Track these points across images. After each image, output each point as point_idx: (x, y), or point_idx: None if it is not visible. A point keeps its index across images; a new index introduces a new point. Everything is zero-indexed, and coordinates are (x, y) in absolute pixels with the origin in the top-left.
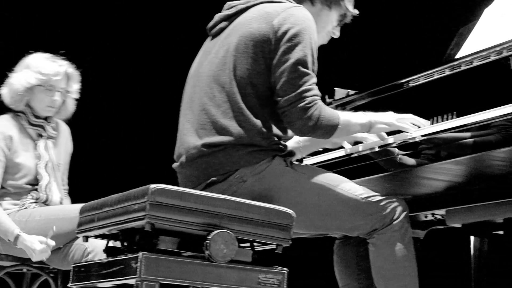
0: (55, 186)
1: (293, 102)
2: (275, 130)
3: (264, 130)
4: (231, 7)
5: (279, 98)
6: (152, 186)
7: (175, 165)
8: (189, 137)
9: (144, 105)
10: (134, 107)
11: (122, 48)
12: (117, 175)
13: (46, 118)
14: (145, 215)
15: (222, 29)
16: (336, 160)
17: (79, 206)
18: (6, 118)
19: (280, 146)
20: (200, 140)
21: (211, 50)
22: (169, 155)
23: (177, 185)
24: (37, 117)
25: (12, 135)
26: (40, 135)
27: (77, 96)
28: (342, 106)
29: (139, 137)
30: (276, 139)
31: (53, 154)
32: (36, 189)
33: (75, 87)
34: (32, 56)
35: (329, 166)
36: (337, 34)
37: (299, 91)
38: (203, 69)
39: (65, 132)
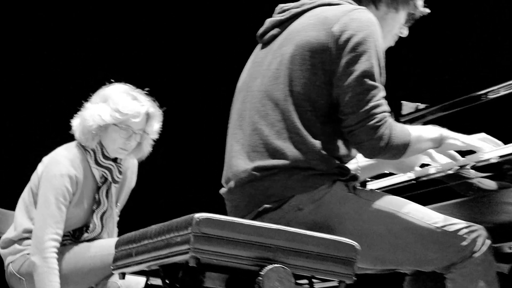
0: (106, 236)
1: (362, 121)
2: (336, 151)
3: (324, 152)
4: (284, 11)
5: (345, 116)
6: (197, 215)
7: (222, 191)
8: (239, 160)
9: (187, 123)
10: (177, 125)
11: (164, 67)
12: (158, 203)
13: (115, 159)
14: (189, 249)
15: (274, 37)
16: (403, 184)
17: (113, 241)
18: (73, 152)
19: (342, 169)
20: (251, 163)
21: (262, 61)
22: (216, 179)
23: (225, 213)
24: (106, 157)
25: (78, 176)
26: (105, 178)
27: (156, 136)
28: (411, 122)
29: (182, 159)
30: (337, 161)
31: (114, 201)
32: (81, 230)
33: (156, 127)
34: (112, 89)
35: (395, 191)
36: (405, 33)
37: (367, 107)
38: (254, 82)
39: (132, 168)
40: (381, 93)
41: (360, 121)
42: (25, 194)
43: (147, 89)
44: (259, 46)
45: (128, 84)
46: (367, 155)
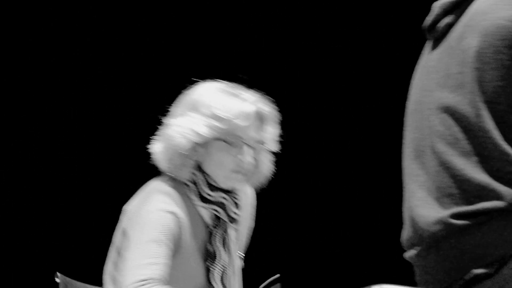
0: None
1: None
2: None
3: None
4: None
5: None
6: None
7: (408, 254)
8: (425, 209)
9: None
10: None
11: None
12: (327, 266)
13: (227, 189)
14: None
15: (449, 27)
16: None
17: None
18: (166, 191)
19: None
20: (445, 211)
21: (437, 65)
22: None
23: (413, 283)
24: (214, 188)
25: (181, 216)
26: (218, 219)
27: (275, 146)
28: None
29: (362, 212)
30: None
31: (235, 251)
32: None
33: (271, 132)
34: (200, 91)
35: None
36: None
37: None
38: (429, 98)
39: (249, 200)
40: None
41: None
42: (109, 266)
43: (242, 76)
44: (428, 44)
45: (219, 81)
46: None
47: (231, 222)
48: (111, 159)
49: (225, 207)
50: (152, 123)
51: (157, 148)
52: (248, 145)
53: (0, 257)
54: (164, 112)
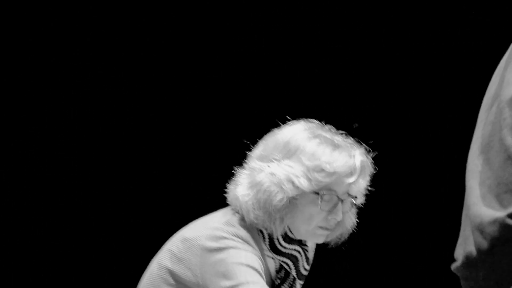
0: None
1: None
2: None
3: None
4: None
5: None
6: None
7: (456, 265)
8: (482, 207)
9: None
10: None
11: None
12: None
13: (301, 241)
14: None
15: None
16: None
17: None
18: (240, 232)
19: None
20: (503, 210)
21: None
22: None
23: None
24: (290, 240)
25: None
26: (286, 273)
27: (363, 198)
28: None
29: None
30: None
31: None
32: None
33: (363, 185)
34: (296, 134)
35: None
36: None
37: None
38: (505, 90)
39: (311, 254)
40: None
41: None
42: None
43: (355, 124)
44: None
45: (309, 121)
46: None
47: (299, 278)
48: (112, 159)
49: (297, 262)
50: (152, 122)
51: (242, 192)
52: (341, 200)
53: (0, 257)
54: (242, 146)
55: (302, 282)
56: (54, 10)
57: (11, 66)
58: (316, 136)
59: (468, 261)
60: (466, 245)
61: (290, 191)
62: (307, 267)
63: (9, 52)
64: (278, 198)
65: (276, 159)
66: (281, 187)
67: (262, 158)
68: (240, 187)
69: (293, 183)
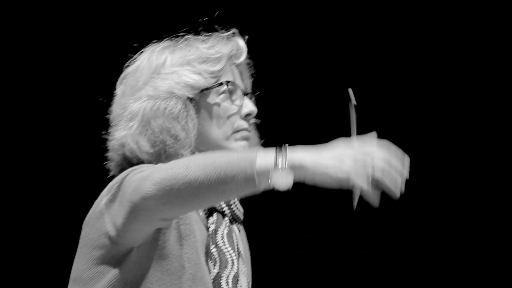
0: None
1: None
2: None
3: None
4: None
5: None
6: None
7: None
8: None
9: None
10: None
11: None
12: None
13: None
14: None
15: None
16: None
17: None
18: None
19: None
20: None
21: None
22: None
23: None
24: None
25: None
26: (220, 214)
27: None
28: None
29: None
30: None
31: (243, 259)
32: None
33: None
34: (154, 51)
35: None
36: None
37: None
38: None
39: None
40: None
41: None
42: None
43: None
44: None
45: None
46: None
47: (234, 220)
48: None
49: (229, 205)
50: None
51: (122, 132)
52: (246, 94)
53: (0, 257)
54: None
55: (241, 228)
56: (54, 10)
57: (11, 66)
58: (178, 43)
59: None
60: None
61: (186, 92)
62: (241, 209)
63: (9, 52)
64: (172, 104)
65: (147, 83)
66: (172, 93)
67: (129, 95)
68: (117, 131)
69: (185, 83)
